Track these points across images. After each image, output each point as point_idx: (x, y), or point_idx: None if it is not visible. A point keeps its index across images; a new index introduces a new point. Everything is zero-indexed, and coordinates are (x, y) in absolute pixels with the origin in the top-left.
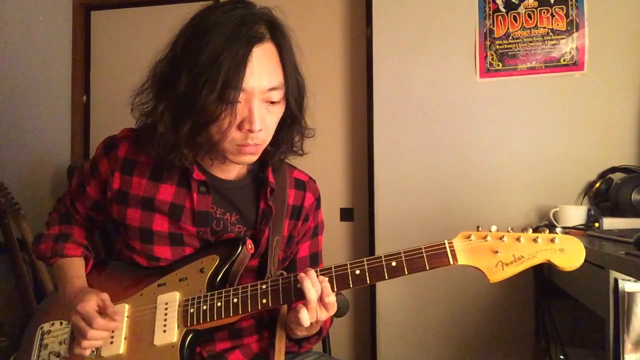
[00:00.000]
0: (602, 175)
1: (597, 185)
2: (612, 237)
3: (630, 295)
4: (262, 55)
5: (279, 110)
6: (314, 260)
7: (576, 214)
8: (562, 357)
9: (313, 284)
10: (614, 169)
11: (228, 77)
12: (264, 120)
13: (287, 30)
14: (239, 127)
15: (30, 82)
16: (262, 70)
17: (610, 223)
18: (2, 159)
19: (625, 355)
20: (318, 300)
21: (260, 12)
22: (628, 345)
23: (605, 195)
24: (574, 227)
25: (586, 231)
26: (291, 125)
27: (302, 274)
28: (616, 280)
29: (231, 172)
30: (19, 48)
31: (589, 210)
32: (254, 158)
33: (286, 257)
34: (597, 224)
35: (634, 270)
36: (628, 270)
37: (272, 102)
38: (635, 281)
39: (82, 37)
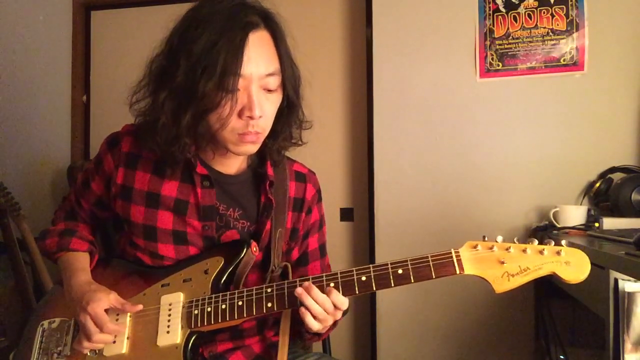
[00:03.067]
0: (602, 175)
1: (597, 185)
2: (612, 237)
3: (630, 295)
4: (257, 41)
5: (277, 98)
6: (322, 251)
7: (576, 214)
8: (562, 357)
9: (316, 300)
10: (613, 169)
11: (226, 64)
12: (263, 107)
13: (279, 20)
14: (239, 114)
15: (30, 82)
16: (259, 56)
17: (610, 223)
18: (2, 159)
19: (625, 355)
20: (324, 311)
21: (252, 4)
22: (628, 345)
23: (605, 195)
24: (574, 227)
25: (586, 231)
26: (289, 115)
27: (300, 290)
28: (616, 280)
29: (232, 166)
30: (19, 48)
31: (589, 210)
32: (254, 148)
33: (290, 249)
34: (597, 224)
35: (634, 270)
36: (628, 270)
37: (270, 90)
38: (635, 281)
39: (82, 37)
